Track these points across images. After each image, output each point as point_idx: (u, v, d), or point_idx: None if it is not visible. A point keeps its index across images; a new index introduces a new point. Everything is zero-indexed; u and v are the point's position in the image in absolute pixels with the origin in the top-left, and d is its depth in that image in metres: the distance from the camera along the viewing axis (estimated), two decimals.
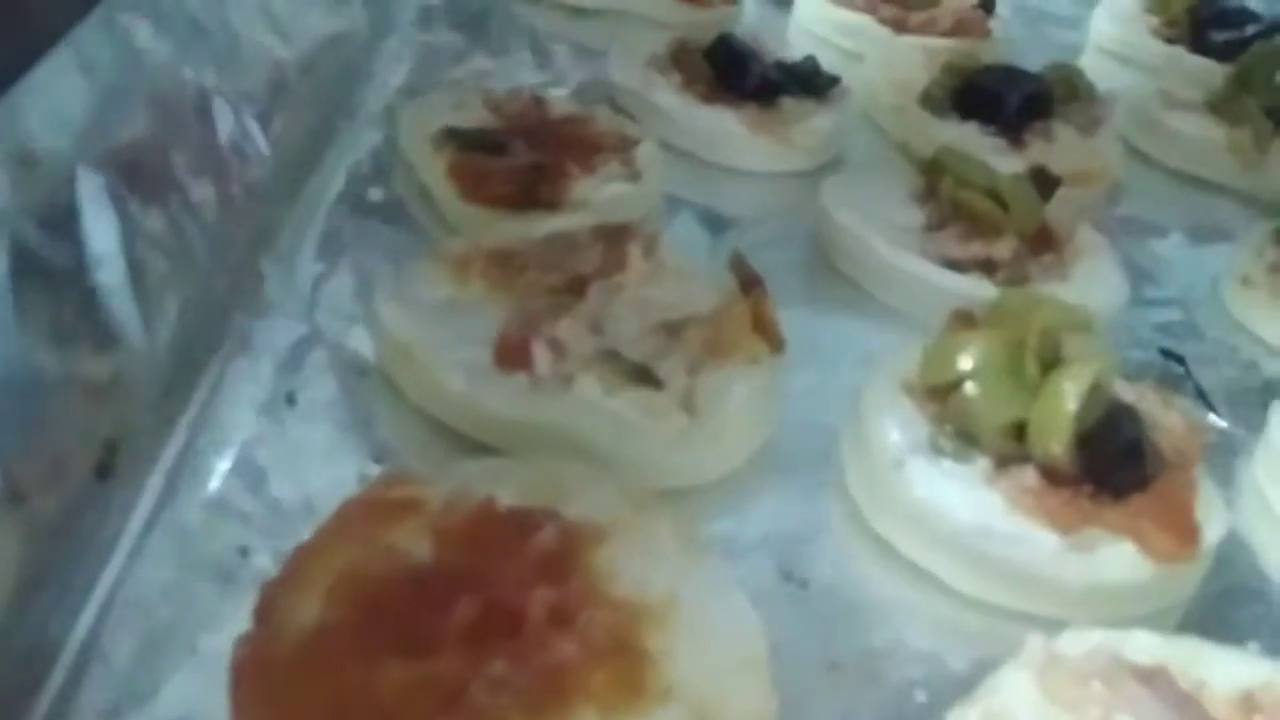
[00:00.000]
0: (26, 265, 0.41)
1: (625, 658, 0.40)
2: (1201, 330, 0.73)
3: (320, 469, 0.52)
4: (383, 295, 0.58)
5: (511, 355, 0.54)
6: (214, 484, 0.49)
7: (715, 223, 0.76)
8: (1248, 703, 0.43)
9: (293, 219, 0.66)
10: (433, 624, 0.40)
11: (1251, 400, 0.67)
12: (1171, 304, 0.75)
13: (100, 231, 0.45)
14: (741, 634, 0.42)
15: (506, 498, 0.45)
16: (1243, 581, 0.56)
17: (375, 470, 0.52)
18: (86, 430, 0.42)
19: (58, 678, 0.40)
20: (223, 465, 0.50)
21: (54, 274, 0.43)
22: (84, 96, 0.49)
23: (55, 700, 0.39)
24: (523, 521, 0.44)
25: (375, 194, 0.71)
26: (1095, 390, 0.51)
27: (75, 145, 0.47)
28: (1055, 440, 0.50)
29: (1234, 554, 0.56)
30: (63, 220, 0.43)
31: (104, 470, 0.42)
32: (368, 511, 0.45)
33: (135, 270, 0.47)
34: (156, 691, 0.41)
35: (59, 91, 0.48)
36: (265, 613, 0.41)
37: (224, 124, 0.62)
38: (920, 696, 0.47)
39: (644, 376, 0.54)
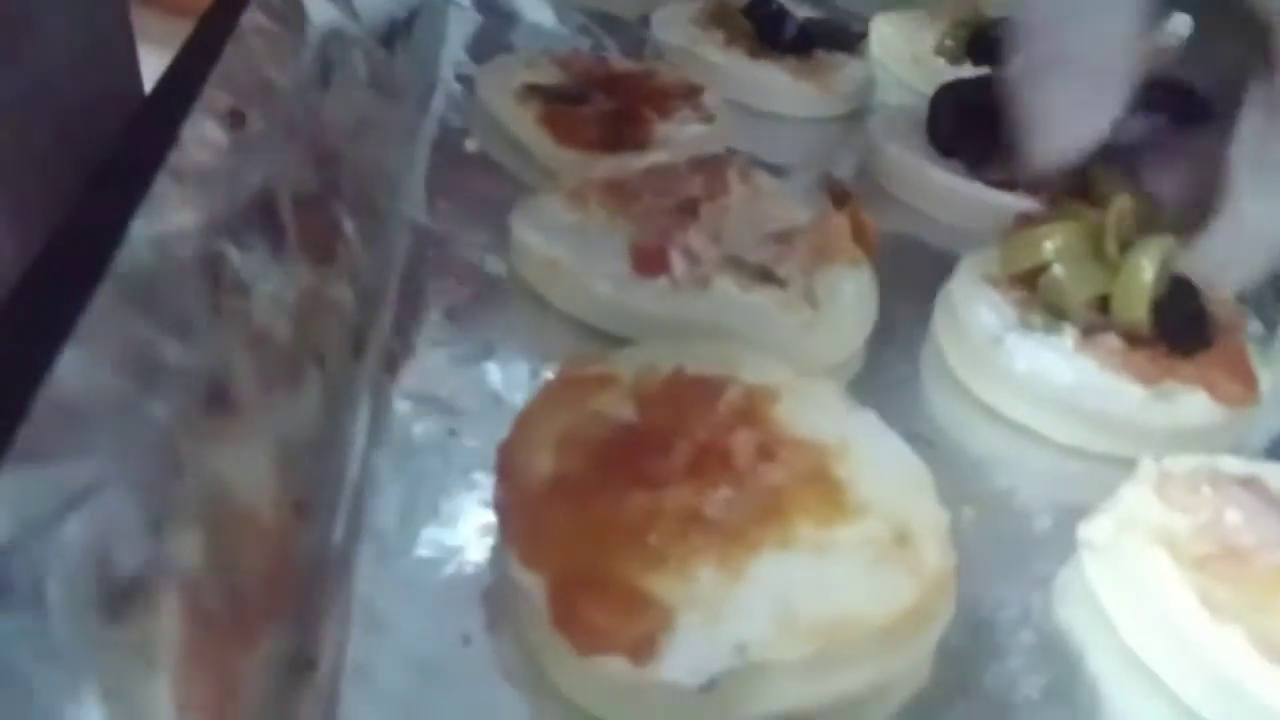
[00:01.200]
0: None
1: (824, 481, 0.47)
2: None
3: (492, 366, 0.58)
4: (520, 220, 0.64)
5: (650, 261, 0.61)
6: (412, 381, 0.56)
7: (770, 165, 0.84)
8: None
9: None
10: (655, 466, 0.47)
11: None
12: None
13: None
14: (908, 465, 0.50)
15: (688, 366, 0.52)
16: None
17: (543, 367, 0.59)
18: (342, 312, 0.48)
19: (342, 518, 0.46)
20: (415, 368, 0.57)
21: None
22: None
23: (339, 547, 0.45)
24: (709, 385, 0.51)
25: (469, 145, 0.78)
26: (1164, 265, 0.59)
27: None
28: (1136, 306, 0.58)
29: (1273, 411, 0.65)
30: None
31: (358, 348, 0.48)
32: (569, 385, 0.52)
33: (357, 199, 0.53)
34: (416, 540, 0.47)
35: None
36: (506, 466, 0.48)
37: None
38: (1045, 521, 0.55)
39: (768, 276, 0.61)
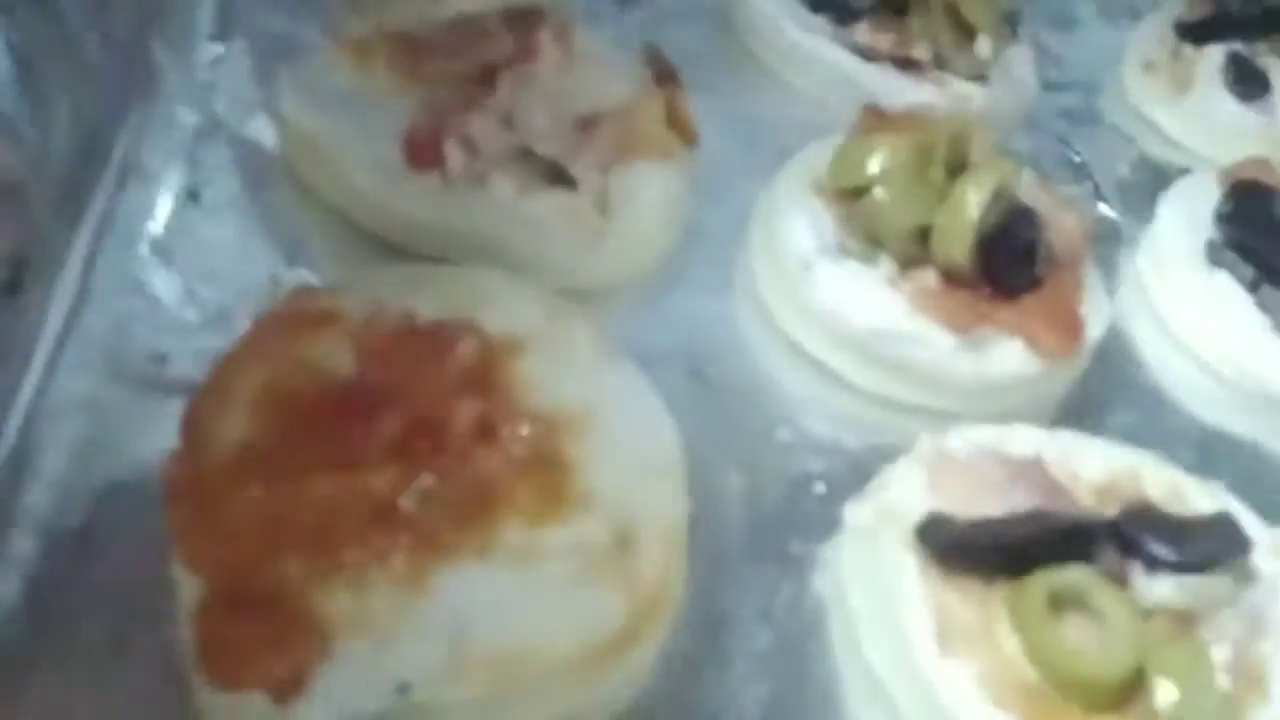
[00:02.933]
0: None
1: (546, 469, 0.42)
2: (1102, 116, 0.75)
3: (232, 271, 0.51)
4: (285, 84, 0.56)
5: (422, 153, 0.53)
6: (124, 292, 0.49)
7: None
8: (1111, 489, 0.47)
9: None
10: (359, 438, 0.42)
11: (1143, 189, 0.69)
12: (1076, 87, 0.76)
13: None
14: (657, 441, 0.45)
15: (424, 308, 0.46)
16: (1120, 364, 0.60)
17: (288, 272, 0.52)
18: None
19: None
20: (131, 271, 0.50)
21: None
22: None
23: None
24: (442, 336, 0.45)
25: None
26: (998, 196, 0.52)
27: None
28: (957, 245, 0.52)
29: (1112, 343, 0.60)
30: None
31: (13, 286, 0.41)
32: (286, 324, 0.45)
33: (22, 68, 0.45)
34: (90, 501, 0.42)
35: None
36: (191, 428, 0.42)
37: None
38: (819, 488, 0.50)
39: (558, 176, 0.54)
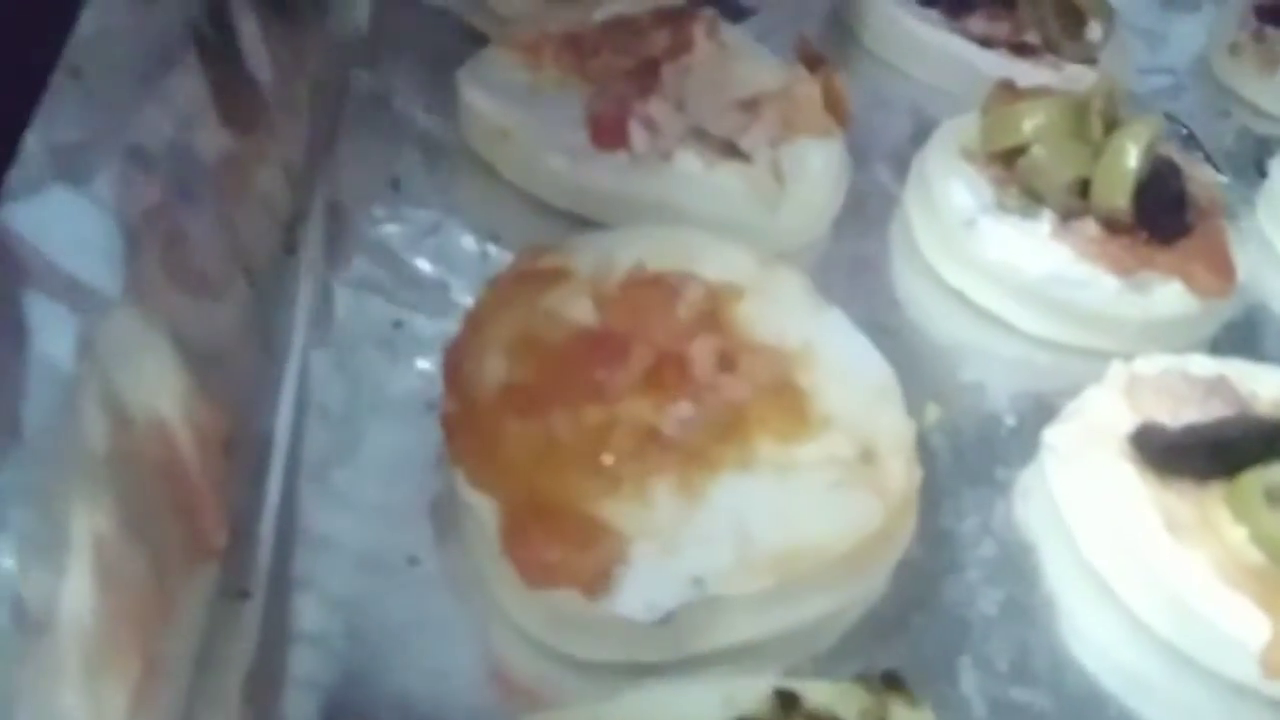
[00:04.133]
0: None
1: (787, 394, 0.45)
2: (1195, 96, 0.79)
3: (441, 248, 0.55)
4: (467, 81, 0.60)
5: (609, 133, 0.57)
6: (352, 266, 0.52)
7: (734, 11, 0.78)
8: None
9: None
10: (612, 375, 0.45)
11: (1247, 157, 0.73)
12: (1166, 72, 0.80)
13: (245, 25, 0.46)
14: (875, 370, 0.48)
15: (647, 263, 0.49)
16: (1255, 312, 0.63)
17: (494, 248, 0.55)
18: (275, 207, 0.44)
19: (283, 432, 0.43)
20: (356, 248, 0.53)
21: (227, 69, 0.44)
22: None
23: (288, 450, 0.43)
24: (670, 283, 0.49)
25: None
26: (1150, 148, 0.56)
27: None
28: (1119, 193, 0.55)
29: (1243, 291, 0.63)
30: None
31: (290, 247, 0.45)
32: (523, 280, 0.49)
33: (275, 64, 0.48)
34: (362, 439, 0.45)
35: None
36: (453, 375, 0.45)
37: None
38: (1010, 421, 0.53)
39: (732, 149, 0.58)
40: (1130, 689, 0.44)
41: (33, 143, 0.32)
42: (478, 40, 0.64)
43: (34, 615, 0.25)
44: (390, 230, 0.55)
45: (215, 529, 0.33)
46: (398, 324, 0.51)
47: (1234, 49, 0.80)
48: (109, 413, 0.31)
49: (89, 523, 0.27)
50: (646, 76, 0.60)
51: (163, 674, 0.32)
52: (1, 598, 0.25)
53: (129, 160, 0.35)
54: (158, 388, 0.31)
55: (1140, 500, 0.45)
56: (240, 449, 0.38)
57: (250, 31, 0.45)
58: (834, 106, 0.61)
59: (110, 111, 0.36)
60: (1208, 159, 0.72)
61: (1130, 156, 0.55)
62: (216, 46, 0.40)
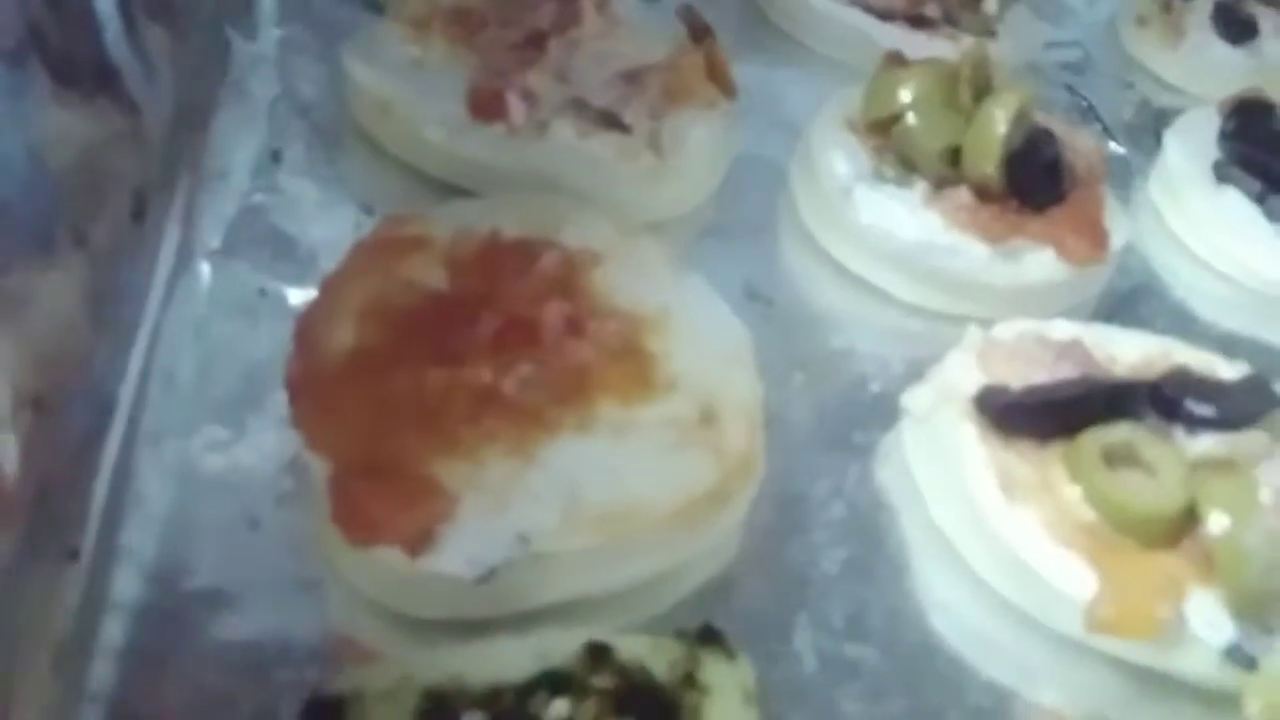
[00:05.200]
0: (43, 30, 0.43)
1: (634, 357, 0.46)
2: (1100, 68, 0.79)
3: (316, 219, 0.55)
4: (352, 55, 0.60)
5: (486, 105, 0.57)
6: (221, 235, 0.53)
7: None
8: (1147, 365, 0.51)
9: None
10: (459, 339, 0.45)
11: (1146, 129, 0.74)
12: (1073, 45, 0.81)
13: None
14: (729, 335, 0.48)
15: (506, 229, 0.50)
16: (1141, 282, 0.64)
17: (368, 220, 0.56)
18: (119, 177, 0.44)
19: (125, 402, 0.44)
20: (226, 217, 0.54)
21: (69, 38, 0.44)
22: None
23: (127, 423, 0.44)
24: (526, 249, 0.49)
25: None
26: (1020, 115, 0.56)
27: None
28: (987, 160, 0.56)
29: (1131, 261, 0.64)
30: None
31: (138, 214, 0.45)
32: (382, 248, 0.49)
33: (131, 33, 0.49)
34: (215, 409, 0.46)
35: None
36: (304, 338, 0.45)
37: None
38: (875, 387, 0.54)
39: (612, 121, 0.58)
40: (969, 645, 0.45)
41: None
42: (373, 10, 0.64)
43: None
44: (263, 201, 0.55)
45: (15, 488, 0.33)
46: (262, 292, 0.51)
47: (1141, 20, 0.80)
48: None
49: None
50: (530, 49, 0.61)
51: None
52: None
53: None
54: None
55: (978, 460, 0.46)
56: (67, 412, 0.38)
57: (104, 3, 0.45)
58: (718, 77, 0.62)
59: None
60: (1105, 130, 0.73)
61: (998, 123, 0.56)
62: (54, 18, 0.41)
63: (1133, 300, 0.63)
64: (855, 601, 0.45)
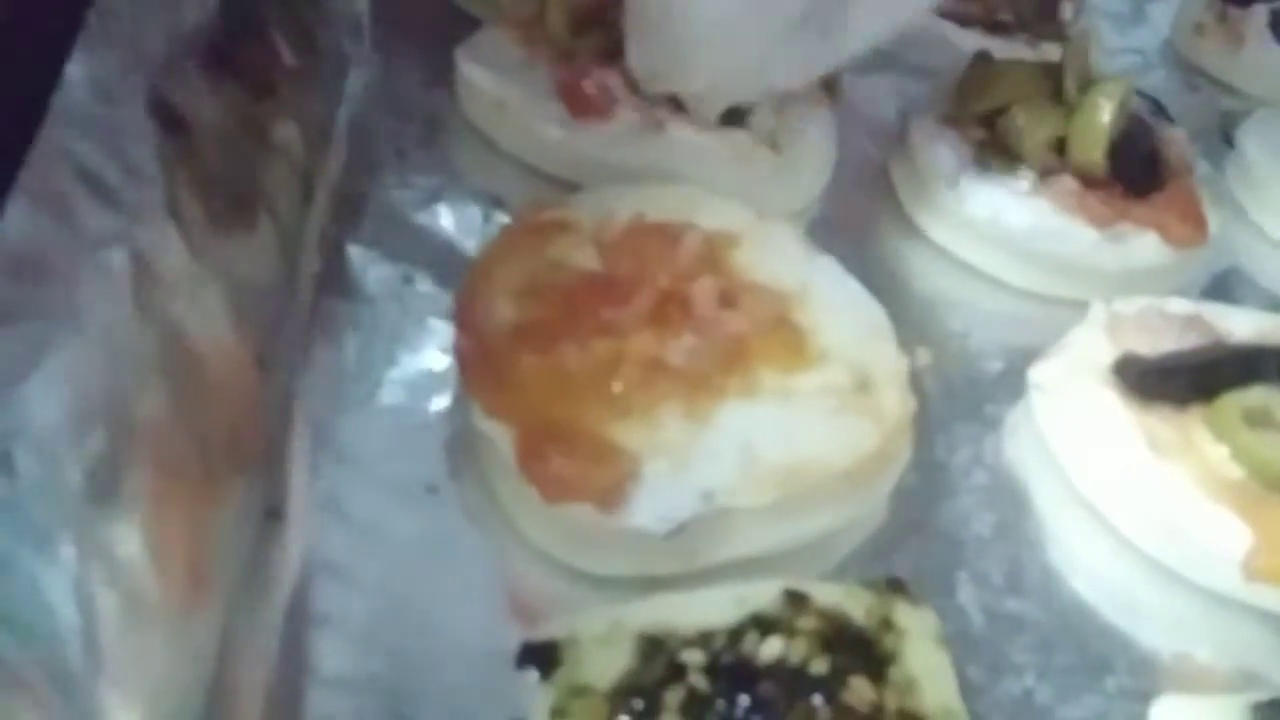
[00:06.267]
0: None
1: (785, 328, 0.48)
2: (1162, 74, 0.82)
3: (446, 210, 0.57)
4: (465, 58, 0.62)
5: (575, 102, 0.58)
6: (365, 227, 0.54)
7: None
8: (1266, 338, 0.52)
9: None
10: (618, 314, 0.47)
11: (1213, 130, 0.76)
12: (1134, 52, 0.83)
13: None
14: (868, 310, 0.50)
15: (647, 214, 0.52)
16: (1229, 270, 0.66)
17: (496, 212, 0.57)
18: (293, 160, 0.46)
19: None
20: (365, 210, 0.55)
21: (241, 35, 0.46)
22: None
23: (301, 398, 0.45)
24: (670, 230, 0.51)
25: None
26: (1123, 104, 0.58)
27: None
28: (1094, 148, 0.58)
29: (1217, 250, 0.66)
30: None
31: (308, 196, 0.47)
32: (527, 231, 0.51)
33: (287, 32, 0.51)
34: (379, 384, 0.47)
35: None
36: (465, 316, 0.47)
37: None
38: (997, 364, 0.55)
39: (731, 117, 0.60)
40: (1118, 604, 0.46)
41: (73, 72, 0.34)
42: (472, 23, 0.66)
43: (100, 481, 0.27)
44: (397, 195, 0.57)
45: (253, 439, 0.35)
46: (408, 279, 0.53)
47: (1198, 29, 0.83)
48: (158, 322, 0.33)
49: (143, 407, 0.29)
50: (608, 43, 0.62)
51: (208, 581, 0.33)
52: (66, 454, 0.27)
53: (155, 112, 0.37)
54: (198, 304, 0.33)
55: (1124, 423, 0.47)
56: (270, 373, 0.39)
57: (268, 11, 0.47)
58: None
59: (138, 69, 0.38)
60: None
61: (1104, 113, 0.58)
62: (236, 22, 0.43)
63: (1225, 287, 0.64)
64: (1010, 561, 0.46)
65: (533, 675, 0.37)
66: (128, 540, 0.28)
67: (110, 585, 0.28)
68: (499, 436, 0.43)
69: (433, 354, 0.49)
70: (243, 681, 0.35)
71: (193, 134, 0.38)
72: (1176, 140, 0.63)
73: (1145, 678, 0.44)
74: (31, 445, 0.27)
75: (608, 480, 0.41)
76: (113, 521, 0.29)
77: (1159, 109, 0.75)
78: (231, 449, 0.34)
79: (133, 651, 0.29)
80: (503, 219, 0.57)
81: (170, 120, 0.36)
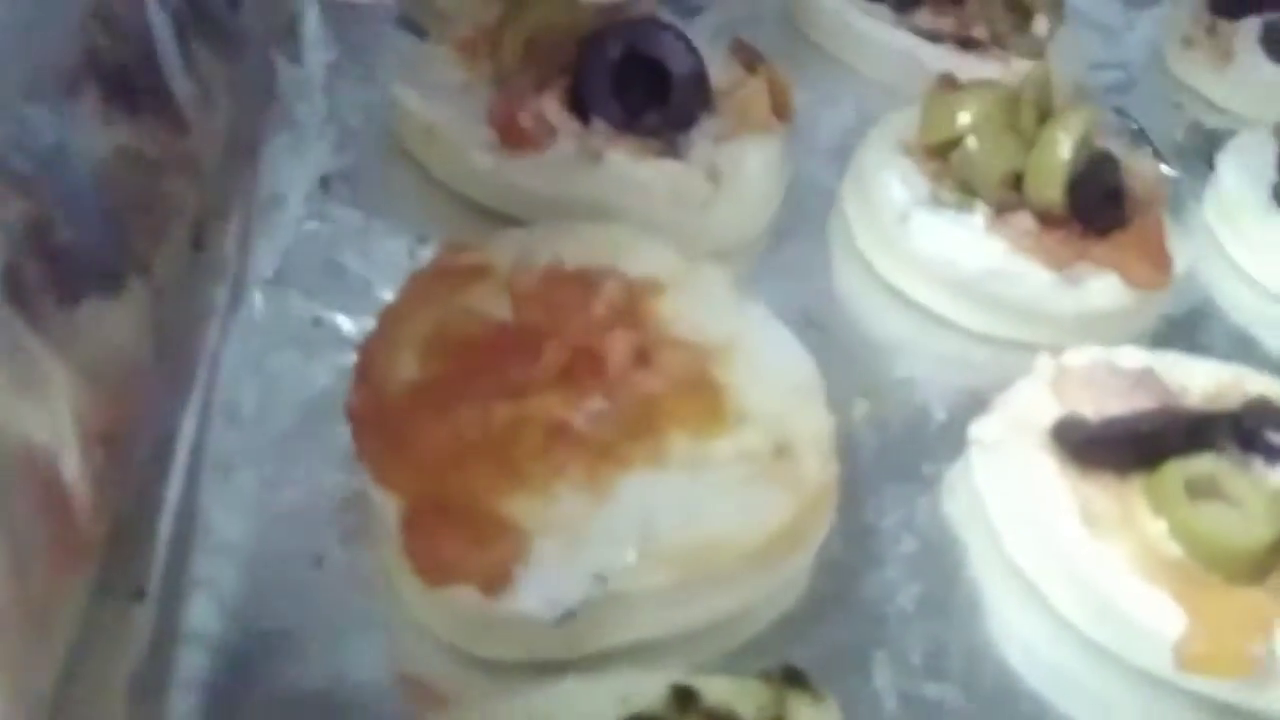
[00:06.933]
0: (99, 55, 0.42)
1: (703, 389, 0.45)
2: (1147, 90, 0.78)
3: (368, 247, 0.54)
4: (398, 79, 0.59)
5: (508, 132, 0.56)
6: (274, 263, 0.52)
7: (684, 8, 0.77)
8: (1219, 394, 0.50)
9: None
10: (525, 371, 0.44)
11: (1197, 151, 0.73)
12: (1118, 67, 0.80)
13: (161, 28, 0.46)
14: (797, 365, 0.47)
15: (566, 258, 0.49)
16: (1198, 307, 0.63)
17: (420, 248, 0.55)
18: (179, 205, 0.44)
19: (187, 436, 0.43)
20: (278, 245, 0.53)
21: (124, 63, 0.44)
22: None
23: (190, 457, 0.43)
24: (589, 278, 0.48)
25: None
26: (1084, 139, 0.55)
27: None
28: (1052, 185, 0.55)
29: (1187, 286, 0.63)
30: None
31: (198, 242, 0.44)
32: (441, 276, 0.48)
33: (185, 55, 0.48)
34: (273, 439, 0.45)
35: None
36: (365, 370, 0.45)
37: None
38: (940, 416, 0.53)
39: (668, 149, 0.57)
40: (1050, 683, 0.44)
41: None
42: (416, 34, 0.64)
43: None
44: (315, 228, 0.54)
45: (89, 526, 0.32)
46: (317, 322, 0.50)
47: (1187, 42, 0.79)
48: None
49: None
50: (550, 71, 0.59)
51: (34, 672, 0.31)
52: None
53: None
54: (25, 386, 0.31)
55: (1059, 492, 0.45)
56: (131, 447, 0.37)
57: (160, 30, 0.45)
58: (779, 106, 0.61)
59: None
60: (1156, 153, 0.72)
61: (1063, 148, 0.55)
62: (112, 46, 0.40)
63: (1191, 326, 0.62)
64: (933, 639, 0.44)
65: None
66: None
67: None
68: (386, 507, 0.40)
69: (336, 406, 0.47)
70: None
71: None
72: (1145, 172, 0.60)
73: None
74: None
75: (493, 562, 0.39)
76: None
77: (1140, 133, 0.73)
78: (63, 538, 0.32)
79: None
80: (427, 255, 0.54)
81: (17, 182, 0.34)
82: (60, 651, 0.32)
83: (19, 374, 0.31)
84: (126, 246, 0.38)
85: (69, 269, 0.35)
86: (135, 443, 0.38)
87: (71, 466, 0.32)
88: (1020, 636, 0.45)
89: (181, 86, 0.47)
